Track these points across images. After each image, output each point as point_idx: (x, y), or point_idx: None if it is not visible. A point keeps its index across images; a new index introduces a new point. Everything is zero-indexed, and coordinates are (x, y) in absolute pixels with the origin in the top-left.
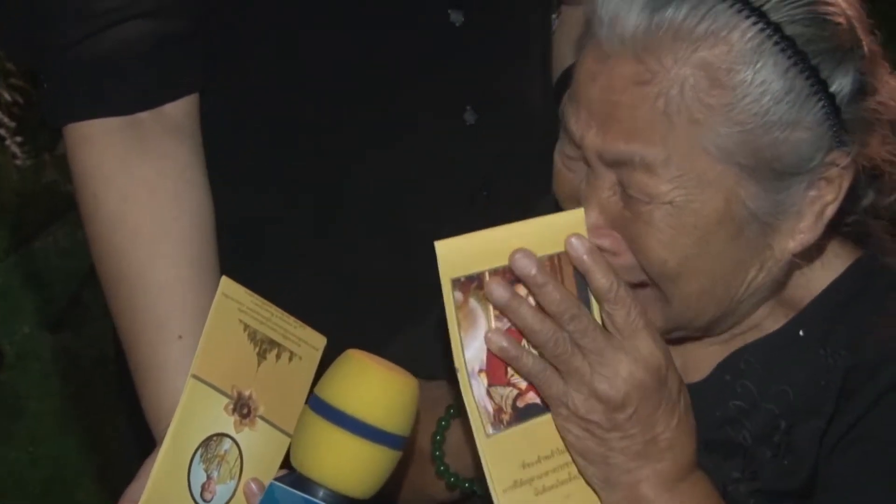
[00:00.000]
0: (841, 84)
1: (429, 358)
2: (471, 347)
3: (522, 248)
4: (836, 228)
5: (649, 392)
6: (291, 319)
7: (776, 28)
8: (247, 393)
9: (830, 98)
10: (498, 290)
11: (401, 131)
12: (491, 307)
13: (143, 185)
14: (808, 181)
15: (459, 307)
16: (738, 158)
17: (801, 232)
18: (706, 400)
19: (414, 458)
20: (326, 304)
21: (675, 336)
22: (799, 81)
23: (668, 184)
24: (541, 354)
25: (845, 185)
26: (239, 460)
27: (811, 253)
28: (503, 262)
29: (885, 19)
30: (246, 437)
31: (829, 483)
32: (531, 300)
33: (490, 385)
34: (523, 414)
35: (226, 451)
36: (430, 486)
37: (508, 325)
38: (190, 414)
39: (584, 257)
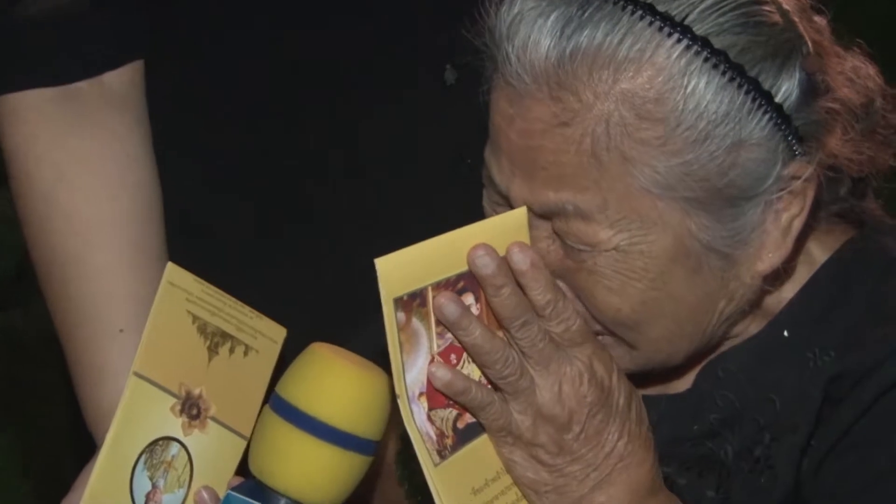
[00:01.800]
0: (787, 91)
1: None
2: (412, 371)
3: (484, 245)
4: (814, 220)
5: (595, 407)
6: (247, 309)
7: (704, 42)
8: (196, 392)
9: (777, 108)
10: (449, 305)
11: (375, 94)
12: (433, 324)
13: (80, 162)
14: (765, 201)
15: (402, 328)
16: (682, 192)
17: (769, 251)
18: (686, 413)
19: (385, 467)
20: (290, 292)
21: (651, 376)
22: (738, 97)
23: (609, 229)
24: (482, 373)
25: (811, 194)
26: (188, 467)
27: (780, 270)
28: (446, 273)
29: None
30: (196, 440)
31: (822, 498)
32: (473, 309)
33: (430, 409)
34: (465, 436)
35: (173, 456)
36: (396, 498)
37: (449, 341)
38: (132, 416)
39: (525, 270)
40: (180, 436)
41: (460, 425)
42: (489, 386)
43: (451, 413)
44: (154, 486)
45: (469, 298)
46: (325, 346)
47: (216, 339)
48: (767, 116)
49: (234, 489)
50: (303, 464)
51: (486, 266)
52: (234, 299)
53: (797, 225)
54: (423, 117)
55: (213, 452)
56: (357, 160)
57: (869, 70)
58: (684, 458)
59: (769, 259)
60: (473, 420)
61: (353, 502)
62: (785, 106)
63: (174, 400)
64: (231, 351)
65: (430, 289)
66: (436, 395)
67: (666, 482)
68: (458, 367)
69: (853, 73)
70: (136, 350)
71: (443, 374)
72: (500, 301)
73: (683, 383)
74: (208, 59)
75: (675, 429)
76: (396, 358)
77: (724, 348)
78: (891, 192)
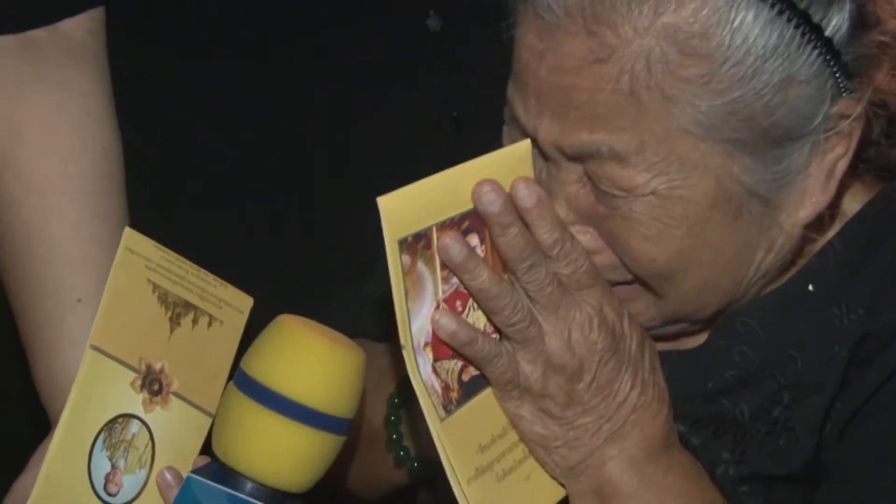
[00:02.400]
0: (837, 24)
1: (373, 315)
2: (417, 319)
3: (489, 180)
4: (854, 168)
5: (606, 355)
6: (211, 277)
7: None
8: (157, 366)
9: (827, 43)
10: (454, 246)
11: (353, 41)
12: (438, 268)
13: (36, 120)
14: (812, 141)
15: (407, 273)
16: (725, 133)
17: (812, 196)
18: (699, 370)
19: (364, 439)
20: (257, 258)
21: (668, 331)
22: (787, 32)
23: (646, 173)
24: (489, 320)
25: (857, 134)
26: (150, 446)
27: (823, 216)
28: (450, 212)
29: None
30: (157, 417)
31: (844, 465)
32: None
33: (435, 360)
34: (470, 389)
35: (133, 435)
36: (387, 471)
37: (455, 286)
38: (89, 392)
39: (531, 207)
40: (141, 413)
41: (465, 377)
42: (496, 335)
43: (457, 364)
44: (114, 466)
45: (474, 240)
46: (294, 317)
47: (178, 310)
48: (817, 52)
49: (195, 471)
50: (270, 445)
51: (493, 203)
52: (196, 267)
53: (842, 166)
54: (405, 68)
55: (176, 430)
56: (332, 117)
57: None
58: (697, 415)
59: (812, 204)
60: (478, 372)
61: (326, 482)
62: (835, 40)
63: (134, 375)
64: (194, 322)
65: (434, 229)
66: (441, 346)
67: (679, 442)
68: (464, 315)
69: None
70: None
71: (447, 322)
72: (506, 241)
73: (696, 339)
74: (171, 15)
75: (687, 386)
76: (402, 305)
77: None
78: None
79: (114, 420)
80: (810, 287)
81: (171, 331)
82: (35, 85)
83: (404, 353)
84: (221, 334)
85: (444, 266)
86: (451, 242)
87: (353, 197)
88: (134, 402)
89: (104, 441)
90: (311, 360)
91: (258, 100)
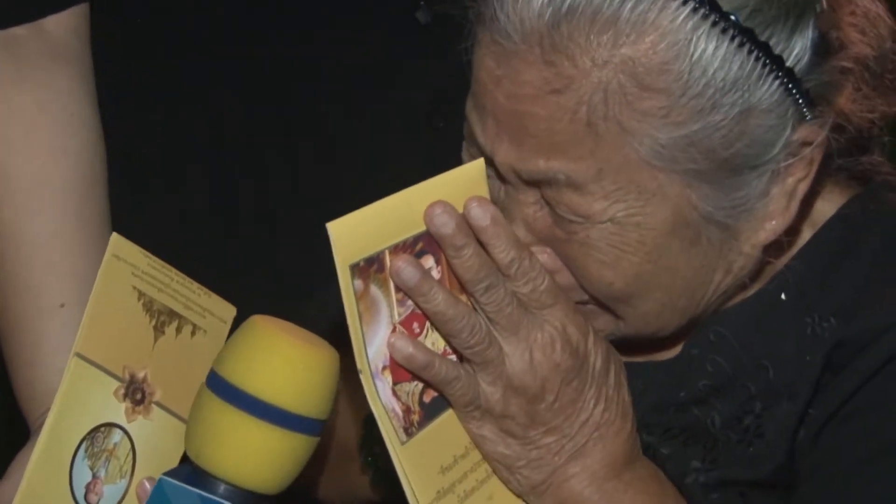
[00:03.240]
0: (799, 53)
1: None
2: (373, 343)
3: (441, 202)
4: (819, 183)
5: (569, 375)
6: (195, 286)
7: (712, 4)
8: (140, 375)
9: (788, 72)
10: (407, 270)
11: (341, 35)
12: (393, 291)
13: (18, 121)
14: (772, 169)
15: (360, 297)
16: (684, 164)
17: (772, 219)
18: (673, 380)
19: (339, 452)
20: (240, 257)
21: (638, 343)
22: (748, 64)
23: (603, 200)
24: (447, 342)
25: (819, 158)
26: (131, 455)
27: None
28: (402, 235)
29: None
30: (140, 427)
31: (819, 469)
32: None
33: (395, 383)
34: (432, 410)
35: (115, 444)
36: (362, 488)
37: (411, 308)
38: (72, 400)
39: (485, 227)
40: (123, 422)
41: (426, 399)
42: (454, 356)
43: (417, 387)
44: (95, 476)
45: (429, 261)
46: (266, 318)
47: (163, 318)
48: (778, 81)
49: (167, 473)
50: (242, 446)
51: (445, 225)
52: (181, 275)
53: (803, 188)
54: (394, 62)
55: (157, 440)
56: (319, 112)
57: (879, 10)
58: (668, 425)
59: (772, 227)
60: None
61: (299, 485)
62: (796, 69)
63: (117, 383)
64: (178, 331)
65: (387, 252)
66: (399, 369)
67: (647, 452)
68: (422, 337)
69: (865, 19)
70: (76, 328)
71: (403, 345)
72: (461, 263)
73: (672, 350)
74: (157, 11)
75: (660, 396)
76: (356, 330)
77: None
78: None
79: (96, 429)
80: (783, 296)
81: (155, 339)
82: (16, 84)
83: (362, 377)
84: (204, 344)
85: (398, 289)
86: (403, 266)
87: (341, 193)
88: (116, 411)
89: (86, 450)
90: (283, 361)
91: (244, 96)
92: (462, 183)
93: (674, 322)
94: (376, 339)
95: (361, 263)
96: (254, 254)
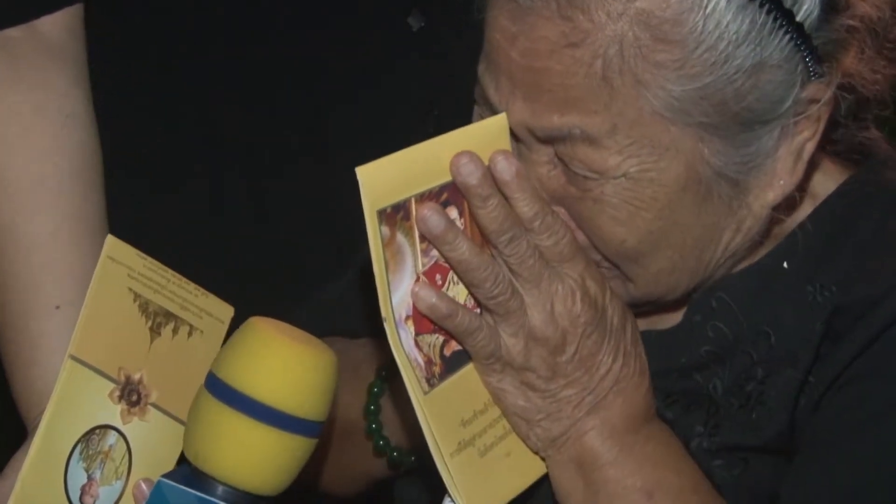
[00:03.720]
0: (808, 9)
1: (347, 314)
2: (398, 291)
3: (468, 152)
4: (822, 149)
5: (589, 327)
6: (192, 286)
7: None
8: (136, 376)
9: (798, 28)
10: (433, 217)
11: (334, 39)
12: (417, 240)
13: (14, 121)
14: (782, 125)
15: (387, 245)
16: (697, 117)
17: (780, 178)
18: (674, 347)
19: (339, 433)
20: (233, 258)
21: (643, 310)
22: (759, 17)
23: (618, 155)
24: (470, 294)
25: (825, 118)
26: (127, 457)
27: (793, 197)
28: (428, 184)
29: None
30: (135, 429)
31: (819, 435)
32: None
33: (417, 334)
34: (452, 364)
35: (111, 446)
36: (365, 463)
37: (434, 259)
38: (68, 403)
39: (509, 180)
40: (118, 424)
41: (447, 352)
42: (477, 310)
43: (439, 339)
44: (90, 478)
45: (453, 213)
46: (265, 320)
47: (159, 319)
48: (788, 36)
49: (166, 475)
50: (240, 448)
51: (472, 174)
52: (178, 275)
53: (809, 148)
54: (386, 66)
55: (153, 441)
56: (312, 116)
57: None
58: (670, 390)
59: (780, 186)
60: (460, 348)
61: (298, 483)
62: (805, 25)
63: (112, 385)
64: (174, 332)
65: (413, 200)
66: (422, 319)
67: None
68: (444, 289)
69: None
70: (73, 329)
71: (427, 294)
72: (486, 213)
73: (673, 318)
74: (152, 11)
75: (662, 363)
76: (382, 277)
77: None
78: None
79: (91, 431)
80: (785, 264)
81: (151, 341)
82: (11, 85)
83: (386, 326)
84: (201, 344)
85: (423, 239)
86: (429, 213)
87: (333, 196)
88: (112, 413)
89: (81, 452)
90: (282, 362)
91: (240, 97)
92: (486, 136)
93: (683, 283)
94: (401, 288)
95: (388, 210)
96: (250, 254)
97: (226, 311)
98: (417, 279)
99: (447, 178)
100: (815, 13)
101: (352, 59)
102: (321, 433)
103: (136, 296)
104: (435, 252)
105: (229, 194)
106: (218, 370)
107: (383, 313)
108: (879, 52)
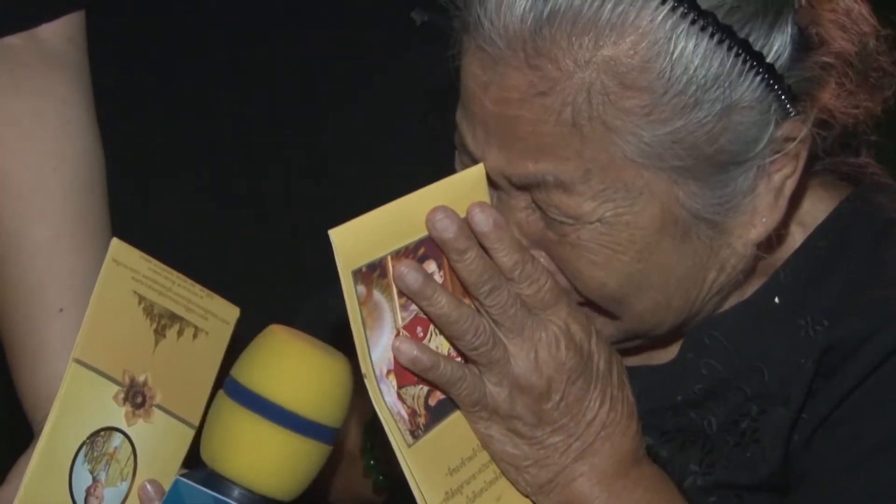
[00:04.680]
0: (779, 49)
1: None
2: (377, 347)
3: (442, 207)
4: (807, 179)
5: (574, 374)
6: (197, 288)
7: (690, 3)
8: (141, 378)
9: (769, 69)
10: (410, 274)
11: (337, 35)
12: (396, 296)
13: (14, 127)
14: (758, 165)
15: (363, 303)
16: (669, 161)
17: (762, 216)
18: (668, 384)
19: (345, 457)
20: (237, 261)
21: (632, 345)
22: (728, 60)
23: (592, 201)
24: (452, 345)
25: (804, 153)
26: (132, 459)
27: (779, 234)
28: (405, 240)
29: None
30: (140, 430)
31: (811, 474)
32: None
33: (400, 387)
34: (437, 413)
35: (116, 448)
36: (367, 491)
37: (414, 313)
38: (72, 405)
39: (487, 231)
40: (123, 426)
41: (432, 402)
42: (460, 359)
43: (422, 390)
44: (95, 479)
45: (431, 266)
46: (284, 328)
47: (164, 322)
48: (759, 77)
49: (183, 475)
50: (259, 451)
51: (447, 229)
52: (183, 277)
53: (790, 185)
54: (390, 62)
55: (158, 443)
56: (314, 114)
57: (861, 10)
58: (665, 428)
59: (762, 224)
60: (445, 396)
61: (316, 497)
62: (777, 65)
63: (117, 388)
64: (179, 333)
65: (389, 258)
66: (404, 372)
67: (648, 454)
68: (426, 341)
69: (846, 16)
70: (77, 332)
71: (408, 348)
72: (464, 266)
73: (667, 354)
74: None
75: (656, 400)
76: (360, 334)
77: (712, 314)
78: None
79: (96, 433)
80: (776, 300)
81: (156, 343)
82: (13, 92)
83: (366, 382)
84: (206, 346)
85: (401, 293)
86: (406, 270)
87: (336, 196)
88: (116, 415)
89: (86, 455)
90: (302, 368)
91: (240, 98)
92: (462, 188)
93: (669, 320)
94: (380, 343)
95: (364, 269)
96: (255, 255)
97: (231, 313)
98: (398, 334)
99: (423, 233)
100: (787, 53)
101: (355, 54)
102: (336, 440)
103: (141, 298)
104: (414, 306)
105: (232, 195)
106: (237, 375)
107: (363, 370)
108: (861, 83)
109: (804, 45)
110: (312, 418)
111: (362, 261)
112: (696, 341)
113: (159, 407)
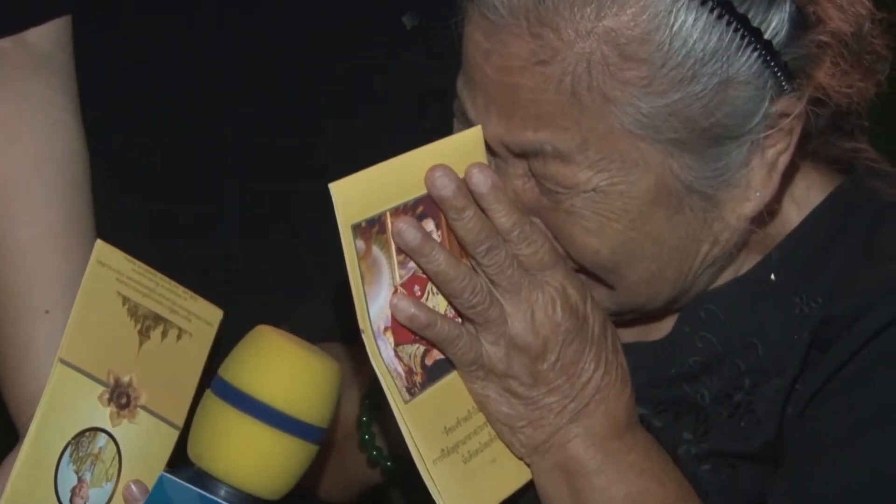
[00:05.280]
0: (776, 26)
1: (342, 319)
2: (375, 303)
3: (441, 165)
4: (801, 158)
5: (570, 335)
6: (181, 290)
7: None
8: (126, 379)
9: (766, 45)
10: (409, 231)
11: (328, 38)
12: (394, 252)
13: (1, 130)
14: (752, 140)
15: (362, 258)
16: (665, 133)
17: (755, 190)
18: (663, 358)
19: (336, 440)
20: (229, 262)
21: (627, 318)
22: (727, 35)
23: (588, 170)
24: (450, 304)
25: (798, 130)
26: (117, 459)
27: (773, 208)
28: (403, 198)
29: None
30: (125, 431)
31: (802, 444)
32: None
33: (397, 344)
34: (434, 373)
35: (101, 448)
36: (360, 471)
37: (412, 271)
38: (57, 405)
39: (486, 192)
40: (108, 426)
41: (428, 361)
42: (457, 318)
43: (419, 349)
44: (80, 479)
45: (430, 225)
46: (273, 328)
47: (148, 323)
48: (756, 53)
49: (168, 471)
50: (246, 449)
51: (446, 187)
52: (167, 279)
53: (783, 161)
54: (381, 65)
55: (143, 443)
56: (306, 116)
57: None
58: (659, 399)
59: (755, 199)
60: (442, 356)
61: (298, 489)
62: (774, 42)
63: (102, 388)
64: (164, 335)
65: (388, 214)
66: (402, 330)
67: (641, 423)
68: (423, 300)
69: None
70: (63, 333)
71: (405, 306)
72: (462, 225)
73: (661, 331)
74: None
75: (651, 374)
76: (358, 289)
77: (708, 289)
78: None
79: (81, 433)
80: (773, 276)
81: (140, 344)
82: None
83: (364, 337)
84: (190, 347)
85: (400, 251)
86: (405, 227)
87: (327, 200)
88: (101, 415)
89: (71, 455)
90: (290, 368)
91: (229, 102)
92: (460, 149)
93: (664, 292)
94: (378, 299)
95: (363, 224)
96: (239, 257)
97: (214, 314)
98: (395, 291)
99: (422, 191)
100: (784, 30)
101: (346, 61)
102: (324, 440)
103: (125, 299)
104: (413, 264)
105: (217, 197)
106: (225, 374)
107: (361, 325)
108: (856, 64)
109: (801, 23)
110: (300, 417)
111: (362, 216)
112: (692, 314)
113: (144, 408)
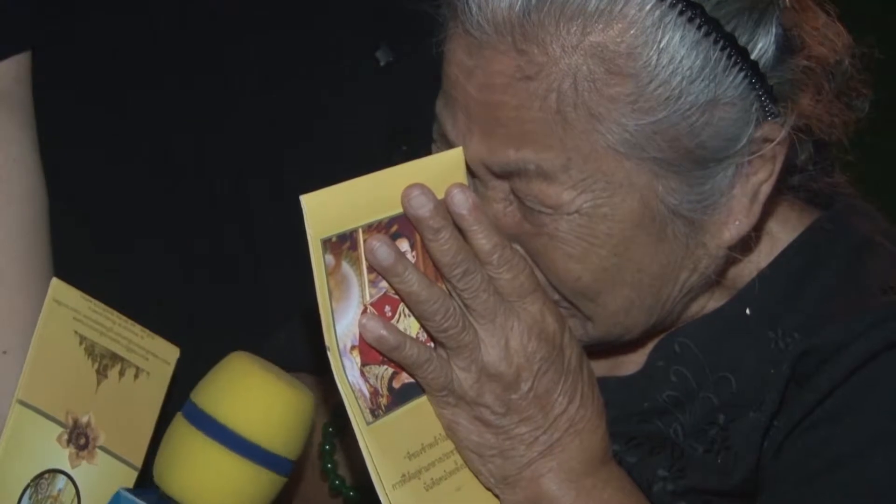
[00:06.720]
0: (763, 47)
1: (309, 347)
2: (342, 321)
3: (419, 184)
4: (779, 193)
5: (545, 364)
6: (138, 328)
7: None
8: (84, 419)
9: (753, 66)
10: (382, 249)
11: (300, 73)
12: (365, 270)
13: None
14: (736, 164)
15: (331, 273)
16: (651, 153)
17: (736, 218)
18: (636, 392)
19: (300, 469)
20: (198, 295)
21: (599, 349)
22: (714, 54)
23: (572, 190)
24: (422, 327)
25: (781, 158)
26: (76, 501)
27: (749, 238)
28: (378, 215)
29: None
30: (84, 472)
31: (777, 480)
32: (409, 256)
33: (363, 364)
34: (401, 397)
35: (59, 490)
36: (322, 500)
37: (383, 290)
38: (16, 447)
39: (466, 213)
40: (67, 468)
41: (396, 384)
42: (430, 342)
43: (387, 371)
44: None
45: (404, 245)
46: (247, 355)
47: (105, 362)
48: (742, 74)
49: (127, 489)
50: (211, 476)
51: (422, 206)
52: (123, 317)
53: (765, 190)
54: (353, 101)
55: (102, 484)
56: (275, 150)
57: (838, 27)
58: (632, 434)
59: (736, 227)
60: (411, 380)
61: None
62: (761, 63)
63: (61, 429)
64: (121, 374)
65: (360, 231)
66: (369, 350)
67: (614, 459)
68: (394, 321)
69: (826, 29)
70: (20, 373)
71: (374, 326)
72: (438, 246)
73: (634, 363)
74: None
75: (624, 408)
76: (326, 305)
77: (682, 323)
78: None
79: (40, 476)
80: (748, 311)
81: (98, 383)
82: None
83: (329, 354)
84: (147, 386)
85: (371, 269)
86: (378, 245)
87: (295, 230)
88: (60, 456)
89: (31, 497)
90: (263, 398)
91: (196, 133)
92: (440, 169)
93: (640, 322)
94: (346, 317)
95: (334, 239)
96: (198, 295)
97: (171, 352)
98: (365, 310)
99: (398, 209)
100: (771, 52)
101: (316, 95)
102: (291, 472)
103: (82, 338)
104: (384, 283)
105: (186, 232)
106: (197, 399)
107: (326, 342)
108: (838, 96)
109: (787, 46)
110: (268, 448)
111: (333, 230)
112: (666, 348)
113: (103, 448)
